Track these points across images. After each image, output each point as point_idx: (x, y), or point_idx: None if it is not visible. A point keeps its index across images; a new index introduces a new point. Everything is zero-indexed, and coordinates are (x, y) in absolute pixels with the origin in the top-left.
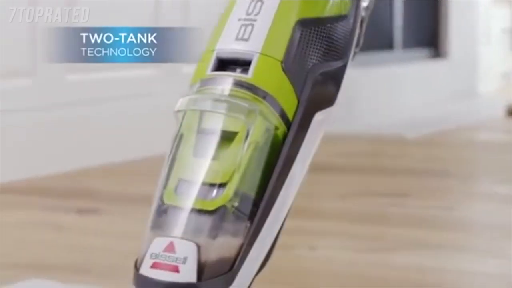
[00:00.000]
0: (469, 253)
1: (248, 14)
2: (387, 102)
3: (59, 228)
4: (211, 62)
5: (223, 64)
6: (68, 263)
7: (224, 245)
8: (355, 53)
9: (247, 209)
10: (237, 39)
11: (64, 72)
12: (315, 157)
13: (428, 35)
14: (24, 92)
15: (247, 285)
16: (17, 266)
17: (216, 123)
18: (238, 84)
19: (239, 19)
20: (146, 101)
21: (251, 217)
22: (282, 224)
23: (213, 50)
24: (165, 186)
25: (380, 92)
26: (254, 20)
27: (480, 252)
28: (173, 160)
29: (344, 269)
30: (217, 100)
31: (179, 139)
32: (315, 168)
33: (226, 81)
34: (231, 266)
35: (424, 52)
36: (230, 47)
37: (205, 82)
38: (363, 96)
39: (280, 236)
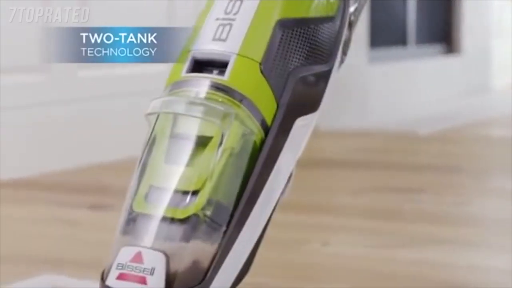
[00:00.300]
0: (481, 249)
1: (226, 13)
2: (400, 98)
3: (71, 224)
4: (187, 63)
5: (200, 65)
6: (80, 258)
7: (196, 255)
8: (342, 59)
9: (222, 218)
10: (214, 39)
11: (77, 68)
12: (328, 153)
13: (441, 30)
14: (37, 88)
15: None
16: (28, 261)
17: (190, 127)
18: (214, 86)
19: (217, 19)
20: None
21: (227, 227)
22: (262, 234)
23: (189, 51)
24: (135, 193)
25: (393, 88)
26: (233, 20)
27: (493, 247)
28: (144, 166)
29: (357, 265)
30: (191, 103)
31: (151, 143)
32: (328, 163)
33: (201, 83)
34: (204, 277)
35: (437, 48)
36: (207, 47)
37: (179, 84)
38: (376, 92)
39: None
